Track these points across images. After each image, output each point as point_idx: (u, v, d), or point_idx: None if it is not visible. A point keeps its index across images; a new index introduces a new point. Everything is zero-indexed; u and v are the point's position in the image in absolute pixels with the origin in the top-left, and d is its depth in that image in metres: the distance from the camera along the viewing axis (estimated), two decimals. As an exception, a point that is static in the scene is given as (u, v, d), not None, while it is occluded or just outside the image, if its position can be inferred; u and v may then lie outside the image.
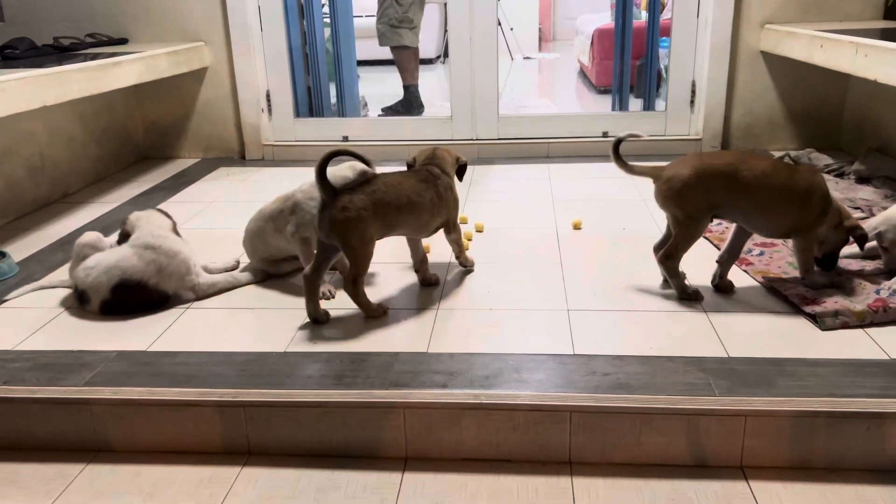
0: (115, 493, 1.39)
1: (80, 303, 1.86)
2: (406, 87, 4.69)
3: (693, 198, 1.72)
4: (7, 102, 2.11)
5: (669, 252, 1.79)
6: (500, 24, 3.40)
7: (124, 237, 1.91)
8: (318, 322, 1.77)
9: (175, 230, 1.96)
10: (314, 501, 1.35)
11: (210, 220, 2.59)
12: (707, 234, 2.18)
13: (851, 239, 1.82)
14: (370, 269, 1.87)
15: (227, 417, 1.47)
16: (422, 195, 1.81)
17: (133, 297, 1.82)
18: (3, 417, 1.52)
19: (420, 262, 1.98)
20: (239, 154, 3.50)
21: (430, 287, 1.97)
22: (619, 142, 1.80)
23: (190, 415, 1.48)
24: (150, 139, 3.53)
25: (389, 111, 4.63)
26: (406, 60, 4.68)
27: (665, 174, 1.75)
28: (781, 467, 1.39)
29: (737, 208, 1.75)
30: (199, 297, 1.92)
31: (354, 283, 1.75)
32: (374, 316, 1.79)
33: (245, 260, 2.13)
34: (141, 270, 1.82)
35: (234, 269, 2.09)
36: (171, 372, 1.57)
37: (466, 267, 2.06)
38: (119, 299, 1.81)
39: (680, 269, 1.84)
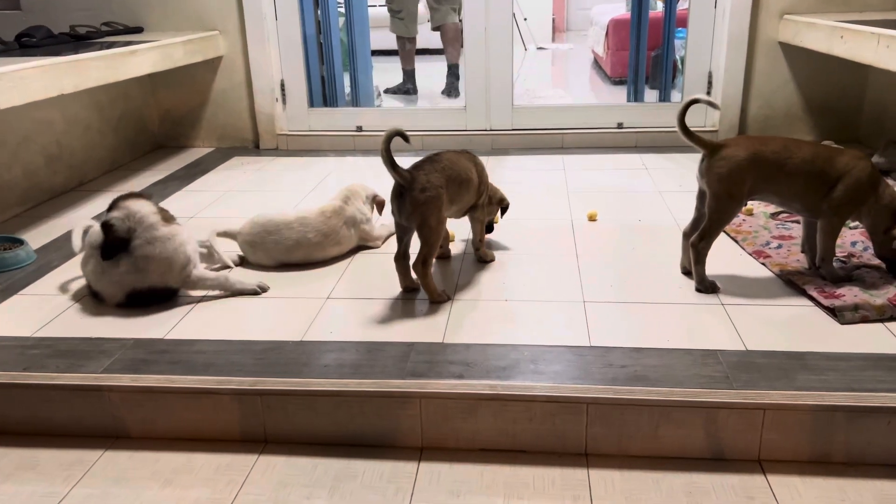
0: (134, 479, 1.40)
1: (97, 300, 1.87)
2: (406, 71, 5.13)
3: (742, 180, 1.76)
4: (26, 90, 2.12)
5: (703, 234, 1.80)
6: (513, 14, 3.37)
7: (119, 242, 1.80)
8: (410, 291, 1.87)
9: (163, 214, 1.88)
10: (331, 490, 1.35)
11: (224, 209, 2.59)
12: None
13: None
14: (382, 259, 1.87)
15: (244, 405, 1.48)
16: (472, 171, 1.90)
17: (147, 298, 1.83)
18: (23, 404, 1.53)
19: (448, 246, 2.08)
20: (253, 143, 3.50)
21: (483, 263, 2.06)
22: (690, 104, 1.78)
23: (208, 402, 1.49)
24: (164, 128, 3.54)
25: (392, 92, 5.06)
26: (399, 46, 5.10)
27: (722, 152, 1.77)
28: (800, 461, 1.38)
29: (775, 192, 1.79)
30: (187, 288, 1.89)
31: (425, 263, 1.77)
32: (439, 301, 1.80)
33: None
34: (148, 279, 1.81)
35: (235, 264, 2.08)
36: (188, 360, 1.58)
37: (486, 261, 2.06)
38: (134, 301, 1.83)
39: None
